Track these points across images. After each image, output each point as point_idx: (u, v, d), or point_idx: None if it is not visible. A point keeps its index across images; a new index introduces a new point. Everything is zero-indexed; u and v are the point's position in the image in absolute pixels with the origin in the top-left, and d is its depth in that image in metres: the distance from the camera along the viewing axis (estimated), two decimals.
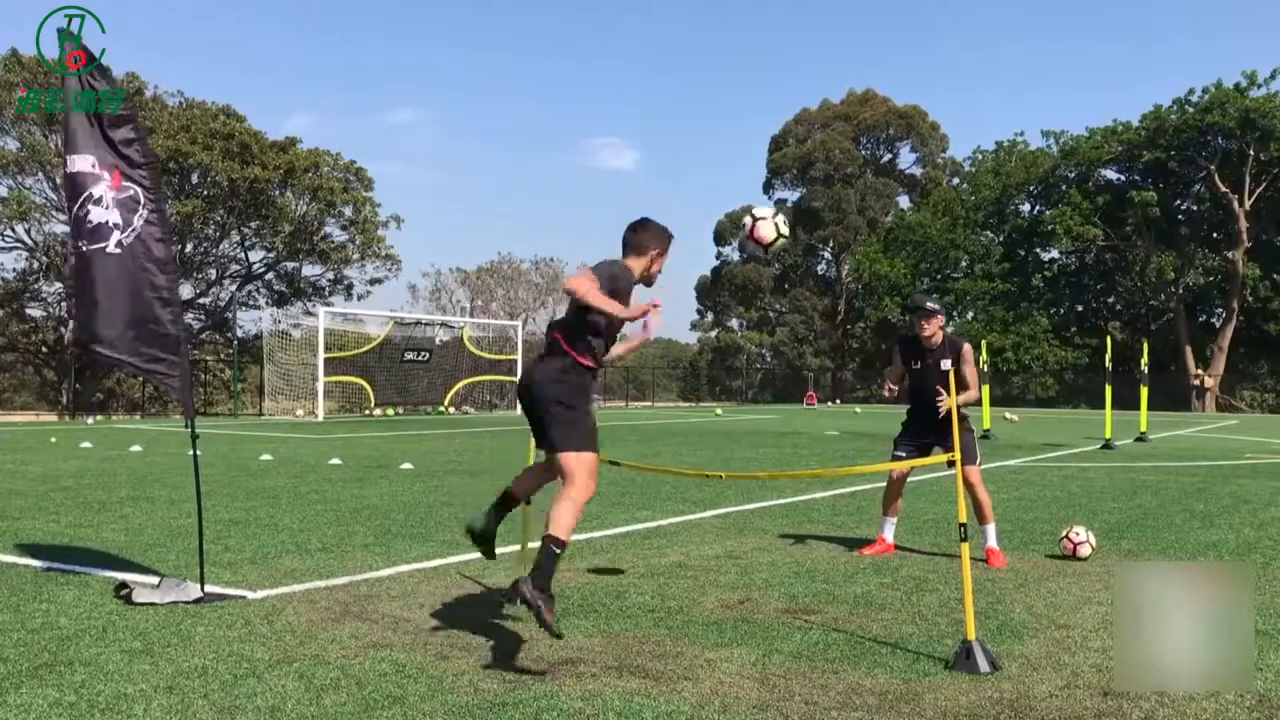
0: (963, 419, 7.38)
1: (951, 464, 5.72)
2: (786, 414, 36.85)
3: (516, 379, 36.63)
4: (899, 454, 7.47)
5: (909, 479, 7.79)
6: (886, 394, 7.60)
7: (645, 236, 5.14)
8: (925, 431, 7.35)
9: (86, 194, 5.77)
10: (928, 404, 7.23)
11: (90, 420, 28.22)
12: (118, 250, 5.77)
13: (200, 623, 5.28)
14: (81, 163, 5.78)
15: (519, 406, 5.23)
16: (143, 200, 5.83)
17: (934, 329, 7.30)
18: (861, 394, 55.93)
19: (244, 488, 11.05)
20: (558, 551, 4.53)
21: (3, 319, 38.07)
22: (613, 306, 4.69)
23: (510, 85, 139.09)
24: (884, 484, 7.88)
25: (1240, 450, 18.79)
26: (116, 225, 5.76)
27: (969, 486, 7.27)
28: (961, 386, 7.04)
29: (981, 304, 50.79)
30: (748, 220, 5.89)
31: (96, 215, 5.77)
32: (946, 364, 7.22)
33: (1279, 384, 48.29)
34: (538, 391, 4.86)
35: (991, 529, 7.32)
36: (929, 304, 7.35)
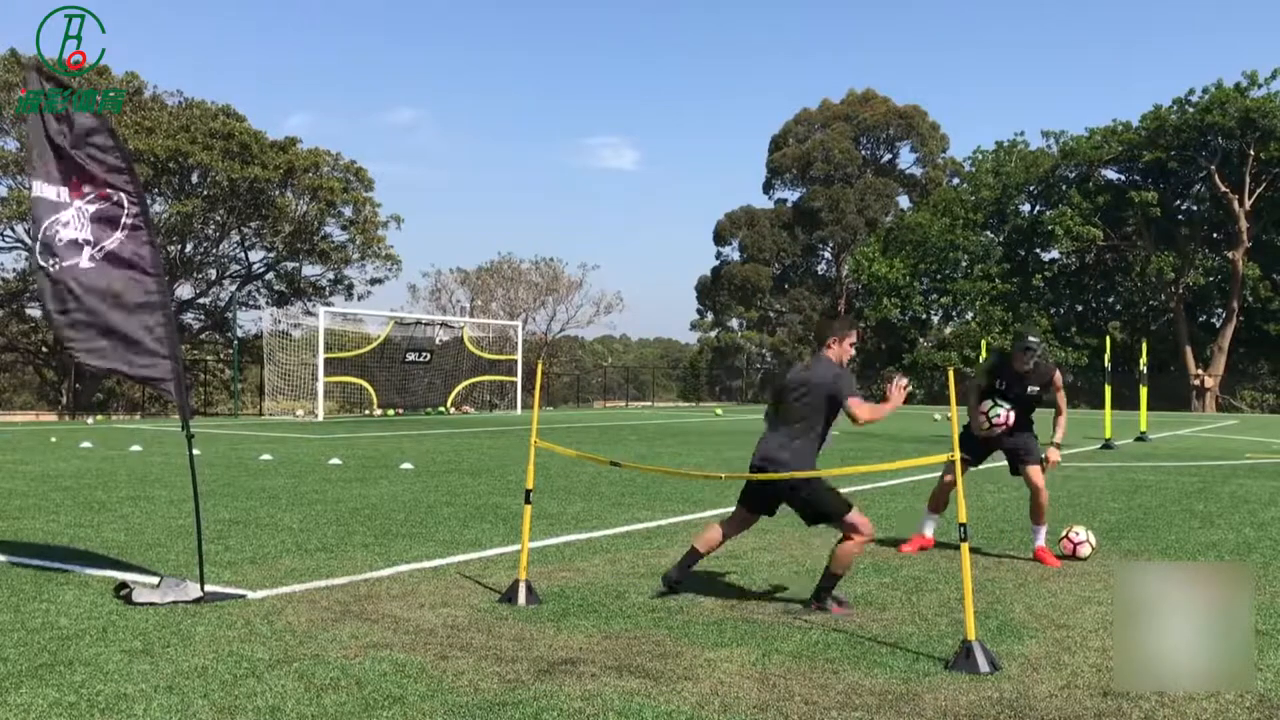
0: (1030, 424, 7.54)
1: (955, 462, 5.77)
2: None
3: (517, 379, 36.56)
4: (966, 457, 7.55)
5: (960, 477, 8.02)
6: (983, 429, 7.55)
7: (841, 325, 6.10)
8: (992, 441, 7.57)
9: (54, 218, 5.77)
10: (1014, 421, 7.43)
11: (90, 420, 28.22)
12: (91, 265, 5.76)
13: (200, 623, 5.28)
14: (46, 190, 5.80)
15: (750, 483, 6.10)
16: (125, 205, 5.82)
17: (1029, 362, 7.48)
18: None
19: (244, 488, 11.05)
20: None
21: (3, 319, 38.06)
22: (883, 413, 5.83)
23: (510, 85, 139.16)
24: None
25: (1240, 450, 18.78)
26: (88, 241, 5.76)
27: (1033, 487, 7.49)
28: (1044, 407, 7.61)
29: (981, 304, 50.77)
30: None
31: (66, 234, 5.77)
32: (1034, 389, 7.47)
33: (1279, 384, 48.27)
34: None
35: (1043, 530, 7.45)
36: (1031, 340, 7.51)
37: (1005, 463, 7.77)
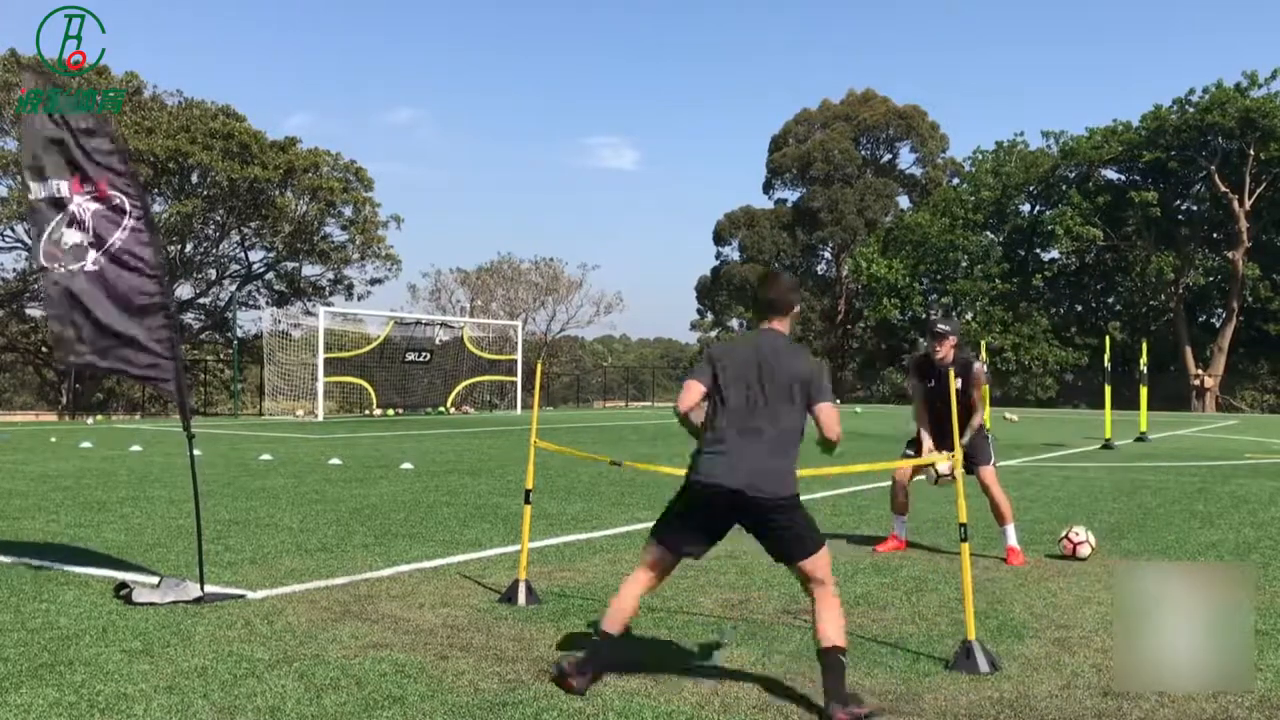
0: (981, 425, 7.45)
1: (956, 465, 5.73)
2: None
3: (517, 379, 36.53)
4: (908, 453, 7.57)
5: (918, 478, 7.89)
6: (922, 428, 7.51)
7: (791, 291, 4.53)
8: (940, 435, 7.38)
9: (57, 219, 5.80)
10: (942, 418, 7.20)
11: (90, 420, 28.21)
12: (96, 267, 5.79)
13: (200, 623, 5.28)
14: (46, 189, 5.81)
15: (701, 512, 4.46)
16: (128, 208, 5.85)
17: (946, 350, 7.40)
18: (862, 394, 55.92)
19: (244, 488, 11.05)
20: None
21: (3, 319, 38.05)
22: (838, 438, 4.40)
23: (510, 85, 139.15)
24: (887, 483, 7.90)
25: (1240, 450, 18.78)
26: (92, 244, 5.78)
27: (984, 488, 7.37)
28: (967, 405, 7.18)
29: (981, 304, 50.76)
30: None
31: (71, 237, 5.80)
32: (958, 382, 7.25)
33: (1279, 384, 48.27)
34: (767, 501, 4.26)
35: (1010, 529, 7.39)
36: (940, 327, 7.44)
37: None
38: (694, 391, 4.41)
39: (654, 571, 4.46)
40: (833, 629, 4.14)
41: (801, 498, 4.30)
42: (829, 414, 4.30)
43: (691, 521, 4.44)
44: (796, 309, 4.58)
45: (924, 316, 54.32)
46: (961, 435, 6.75)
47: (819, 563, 4.25)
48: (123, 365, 5.93)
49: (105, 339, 5.87)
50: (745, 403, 4.31)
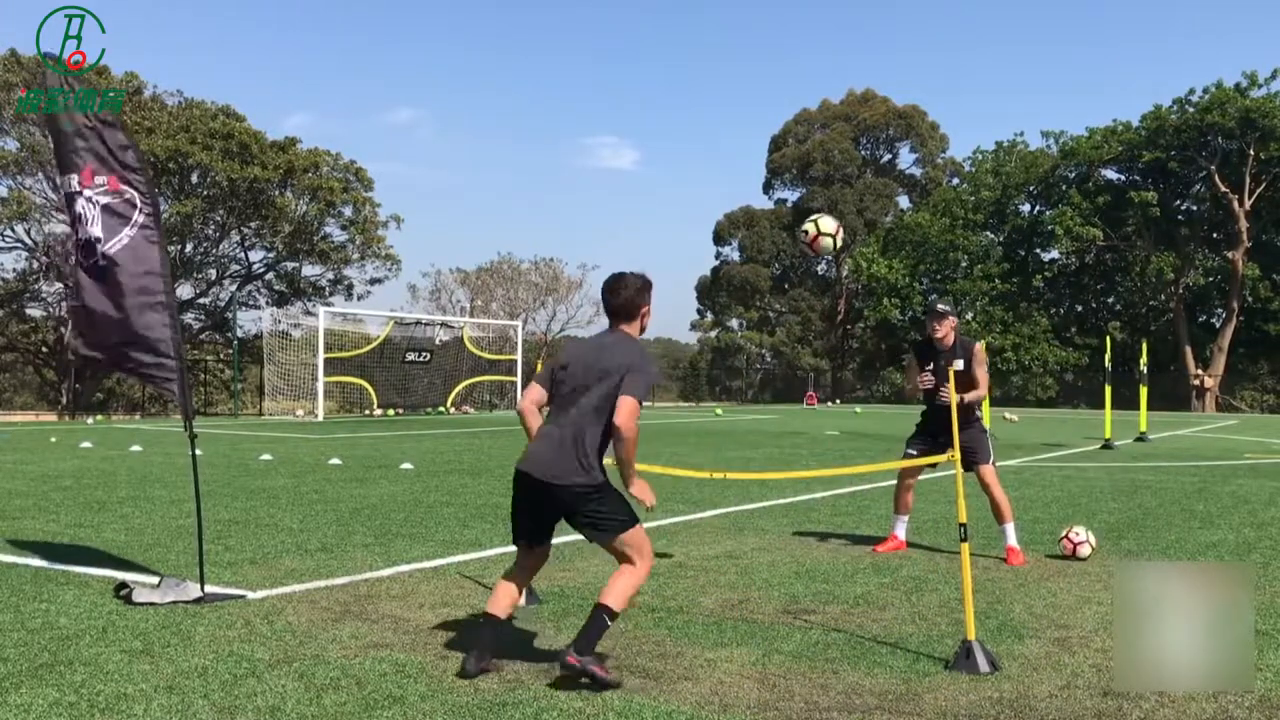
0: (975, 420, 7.43)
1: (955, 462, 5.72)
2: (786, 414, 36.85)
3: (517, 379, 36.48)
4: (910, 452, 7.55)
5: (921, 477, 7.86)
6: (913, 388, 7.61)
7: (636, 294, 4.72)
8: (938, 431, 7.34)
9: (79, 215, 5.82)
10: (942, 405, 7.20)
11: (90, 420, 28.21)
12: (104, 263, 5.80)
13: (200, 623, 5.28)
14: (75, 183, 5.83)
15: (521, 501, 4.60)
16: (139, 204, 5.85)
17: (945, 330, 7.43)
18: (862, 394, 55.93)
19: (244, 488, 11.05)
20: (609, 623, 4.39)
21: (3, 319, 38.04)
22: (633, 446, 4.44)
23: (510, 85, 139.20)
24: (887, 483, 7.89)
25: (1240, 450, 18.78)
26: (102, 239, 5.78)
27: (985, 486, 7.36)
28: (971, 386, 7.22)
29: (981, 304, 50.77)
30: (810, 229, 6.95)
31: (86, 233, 5.81)
32: (959, 364, 7.30)
33: (1279, 384, 48.28)
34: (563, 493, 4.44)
35: (1010, 528, 7.37)
36: (940, 306, 7.51)
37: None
38: (533, 392, 4.70)
39: (521, 562, 4.73)
40: (616, 590, 4.38)
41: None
42: (625, 404, 4.38)
43: (520, 510, 4.63)
44: (645, 308, 4.75)
45: (924, 317, 54.31)
46: (970, 409, 7.21)
47: (628, 539, 4.45)
48: (128, 364, 5.95)
49: (112, 336, 5.88)
50: (567, 397, 4.53)
